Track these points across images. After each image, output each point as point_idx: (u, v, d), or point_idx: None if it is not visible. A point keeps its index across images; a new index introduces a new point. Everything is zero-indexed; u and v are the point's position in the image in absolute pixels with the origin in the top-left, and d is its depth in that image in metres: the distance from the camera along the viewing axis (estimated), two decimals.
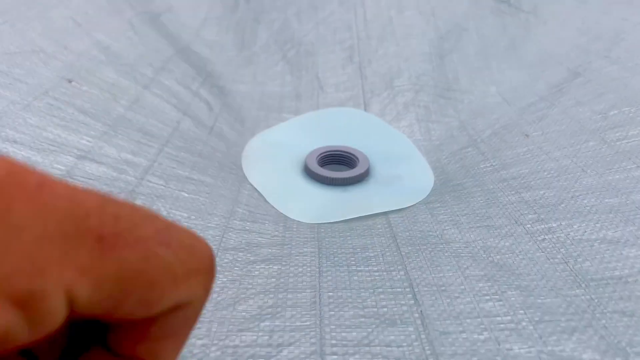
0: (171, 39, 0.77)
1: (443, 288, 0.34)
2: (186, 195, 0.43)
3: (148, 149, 0.47)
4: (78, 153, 0.42)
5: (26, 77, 0.50)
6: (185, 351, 0.29)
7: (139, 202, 0.40)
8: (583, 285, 0.33)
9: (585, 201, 0.40)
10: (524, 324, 0.30)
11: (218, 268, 0.35)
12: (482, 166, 0.52)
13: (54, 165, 0.40)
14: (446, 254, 0.37)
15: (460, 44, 0.72)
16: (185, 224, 0.40)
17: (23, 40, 0.56)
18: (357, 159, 0.55)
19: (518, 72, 0.71)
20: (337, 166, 0.57)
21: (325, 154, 0.56)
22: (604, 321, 0.30)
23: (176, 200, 0.42)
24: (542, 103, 0.62)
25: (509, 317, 0.31)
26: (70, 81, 0.53)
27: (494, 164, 0.52)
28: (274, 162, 0.55)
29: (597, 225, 0.37)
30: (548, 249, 0.36)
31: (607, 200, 0.40)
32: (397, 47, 0.68)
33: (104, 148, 0.45)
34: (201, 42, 0.80)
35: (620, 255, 0.34)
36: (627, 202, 0.39)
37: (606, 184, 0.42)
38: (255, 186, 0.50)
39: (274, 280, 0.34)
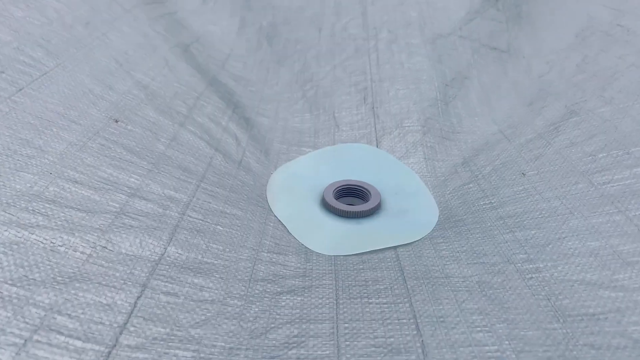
0: (201, 71, 0.84)
1: (442, 319, 0.40)
2: (221, 229, 0.50)
3: (187, 185, 0.54)
4: (128, 191, 0.49)
5: (79, 119, 0.57)
6: None
7: (181, 236, 0.47)
8: (561, 320, 0.38)
9: (570, 243, 0.46)
10: (507, 352, 0.36)
11: (251, 298, 0.41)
12: (481, 203, 0.58)
13: (109, 203, 0.47)
14: (446, 288, 0.44)
15: (462, 91, 0.78)
16: (221, 256, 0.47)
17: (74, 82, 0.63)
18: (370, 193, 0.62)
19: (519, 109, 0.77)
20: (352, 199, 0.63)
21: (341, 188, 0.63)
22: (575, 352, 0.35)
23: (213, 234, 0.48)
24: (539, 141, 0.68)
25: (495, 347, 0.37)
26: (116, 121, 0.60)
27: (492, 201, 0.58)
28: (294, 194, 0.62)
29: (577, 267, 0.43)
30: (534, 287, 0.42)
31: (589, 243, 0.46)
32: (407, 90, 0.75)
33: (150, 185, 0.51)
34: (227, 75, 0.87)
35: (595, 295, 0.40)
36: (606, 245, 0.45)
37: (590, 227, 0.48)
38: (279, 218, 0.56)
39: (297, 311, 0.40)
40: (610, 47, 0.87)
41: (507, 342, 0.37)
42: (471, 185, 0.62)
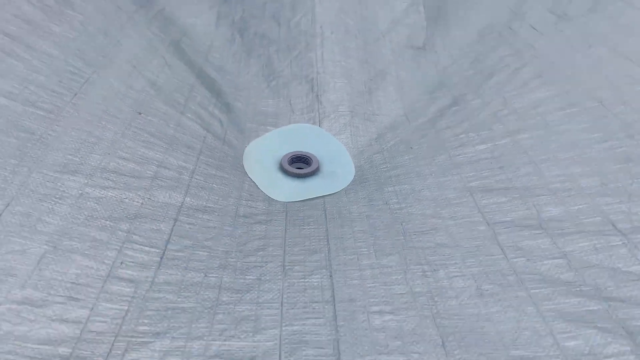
0: (190, 65, 1.12)
1: (341, 236, 0.72)
2: (216, 186, 0.80)
3: (191, 158, 0.84)
4: (157, 163, 0.79)
5: (117, 113, 0.85)
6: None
7: (192, 191, 0.77)
8: (404, 235, 0.71)
9: (423, 193, 0.79)
10: (371, 251, 0.69)
11: (236, 225, 0.73)
12: (382, 167, 0.90)
13: (147, 172, 0.77)
14: (347, 219, 0.76)
15: (383, 84, 1.08)
16: (218, 202, 0.78)
17: (107, 85, 0.90)
18: (312, 160, 0.93)
19: (422, 97, 1.08)
20: (300, 164, 0.94)
21: (293, 156, 0.94)
22: (408, 249, 0.68)
23: (211, 189, 0.79)
24: (428, 123, 0.99)
25: (366, 249, 0.69)
26: (140, 113, 0.88)
27: (388, 166, 0.90)
28: (261, 162, 0.92)
29: (422, 207, 0.75)
30: (395, 218, 0.75)
31: (434, 193, 0.78)
32: (342, 83, 1.05)
33: (169, 159, 0.81)
34: (210, 66, 1.15)
35: (425, 222, 0.73)
36: (442, 195, 0.77)
37: (438, 183, 0.81)
38: (251, 178, 0.87)
39: (263, 233, 0.72)
40: (498, 47, 1.18)
41: (372, 247, 0.69)
42: (378, 154, 0.94)
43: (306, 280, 0.63)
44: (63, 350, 0.48)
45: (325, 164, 0.93)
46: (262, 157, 0.93)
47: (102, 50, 0.97)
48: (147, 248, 0.64)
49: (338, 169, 0.92)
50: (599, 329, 0.52)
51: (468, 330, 0.54)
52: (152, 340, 0.52)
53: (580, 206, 0.69)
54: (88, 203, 0.66)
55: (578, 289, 0.57)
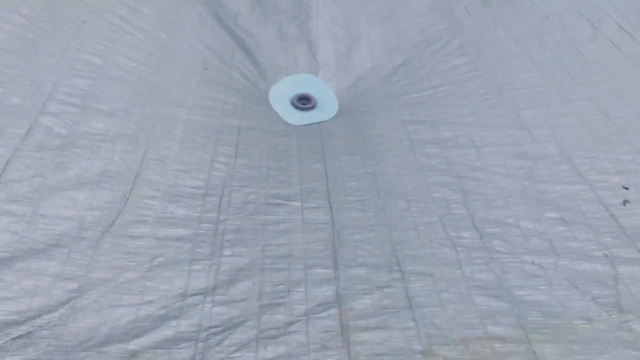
0: (228, 30, 1.62)
1: (329, 146, 1.29)
2: (256, 115, 1.36)
3: (240, 98, 1.39)
4: (222, 101, 1.34)
5: (194, 68, 1.38)
6: None
7: (245, 118, 1.33)
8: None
9: (377, 122, 1.36)
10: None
11: (273, 136, 1.30)
12: (355, 105, 1.46)
13: (217, 106, 1.31)
14: (333, 136, 1.33)
15: (358, 45, 1.61)
16: (258, 125, 1.34)
17: (182, 49, 1.42)
18: (312, 98, 1.48)
19: (384, 56, 1.62)
20: (304, 101, 1.49)
21: (300, 95, 1.48)
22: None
23: (254, 117, 1.35)
24: (385, 77, 1.54)
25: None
26: (205, 69, 1.41)
27: (359, 104, 1.45)
28: (280, 99, 1.47)
29: (376, 137, 1.33)
30: (361, 136, 1.32)
31: (385, 122, 1.35)
32: (330, 45, 1.58)
33: (229, 99, 1.36)
34: (239, 30, 1.65)
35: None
36: (388, 126, 1.35)
37: (388, 117, 1.37)
38: (275, 110, 1.43)
39: (285, 145, 1.29)
40: (439, 21, 1.71)
41: (346, 149, 1.27)
42: (353, 97, 1.49)
43: (311, 165, 1.20)
44: None
45: (319, 101, 1.48)
46: (280, 96, 1.48)
47: (174, 24, 1.48)
48: (226, 147, 1.21)
49: (327, 105, 1.47)
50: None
51: (391, 187, 1.13)
52: None
53: (462, 132, 1.26)
54: (192, 124, 1.22)
55: (444, 169, 1.16)
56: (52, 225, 0.90)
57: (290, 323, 0.79)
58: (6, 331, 0.74)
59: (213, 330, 0.79)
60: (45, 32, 1.30)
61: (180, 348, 0.76)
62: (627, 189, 1.05)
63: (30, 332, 0.75)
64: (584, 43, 1.44)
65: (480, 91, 1.37)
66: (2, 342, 0.73)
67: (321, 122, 1.41)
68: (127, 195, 0.98)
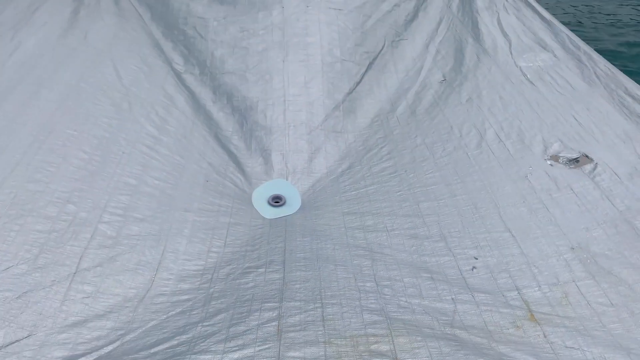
0: (225, 149, 2.26)
1: (291, 231, 1.87)
2: (241, 213, 1.97)
3: (230, 199, 2.00)
4: (223, 206, 1.95)
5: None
6: None
7: (233, 216, 1.93)
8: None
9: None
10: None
11: (252, 227, 1.89)
12: (313, 203, 2.05)
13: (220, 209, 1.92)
14: (294, 225, 1.91)
15: (320, 152, 2.24)
16: (243, 221, 1.93)
17: (190, 166, 2.06)
18: (282, 197, 2.08)
19: (339, 157, 2.22)
20: (277, 199, 2.09)
21: (273, 196, 2.09)
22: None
23: (239, 215, 1.95)
24: (341, 177, 2.13)
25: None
26: (207, 181, 2.03)
27: (317, 203, 2.04)
28: (259, 199, 2.08)
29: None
30: (310, 224, 1.90)
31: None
32: (300, 158, 2.20)
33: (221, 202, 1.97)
34: (233, 147, 2.29)
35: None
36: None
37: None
38: (256, 208, 2.03)
39: (260, 234, 1.87)
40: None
41: (306, 231, 1.85)
42: (312, 195, 2.09)
43: (276, 245, 1.77)
44: None
45: (288, 199, 2.08)
46: (259, 197, 2.09)
47: (186, 148, 2.13)
48: (218, 239, 1.80)
49: (293, 202, 2.07)
50: None
51: (327, 257, 1.69)
52: None
53: (379, 220, 1.83)
54: (196, 224, 1.83)
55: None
56: (107, 299, 1.49)
57: (249, 330, 1.34)
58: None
59: None
60: (99, 163, 1.96)
61: None
62: (477, 259, 1.60)
63: None
64: (472, 149, 2.02)
65: (396, 188, 1.95)
66: None
67: (287, 215, 2.00)
68: (153, 278, 1.57)
